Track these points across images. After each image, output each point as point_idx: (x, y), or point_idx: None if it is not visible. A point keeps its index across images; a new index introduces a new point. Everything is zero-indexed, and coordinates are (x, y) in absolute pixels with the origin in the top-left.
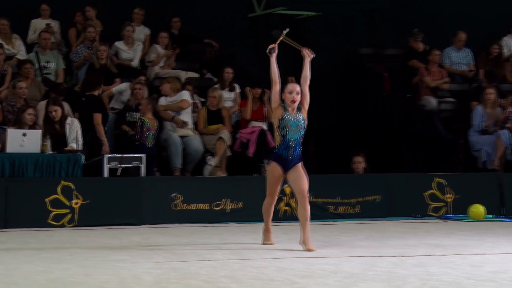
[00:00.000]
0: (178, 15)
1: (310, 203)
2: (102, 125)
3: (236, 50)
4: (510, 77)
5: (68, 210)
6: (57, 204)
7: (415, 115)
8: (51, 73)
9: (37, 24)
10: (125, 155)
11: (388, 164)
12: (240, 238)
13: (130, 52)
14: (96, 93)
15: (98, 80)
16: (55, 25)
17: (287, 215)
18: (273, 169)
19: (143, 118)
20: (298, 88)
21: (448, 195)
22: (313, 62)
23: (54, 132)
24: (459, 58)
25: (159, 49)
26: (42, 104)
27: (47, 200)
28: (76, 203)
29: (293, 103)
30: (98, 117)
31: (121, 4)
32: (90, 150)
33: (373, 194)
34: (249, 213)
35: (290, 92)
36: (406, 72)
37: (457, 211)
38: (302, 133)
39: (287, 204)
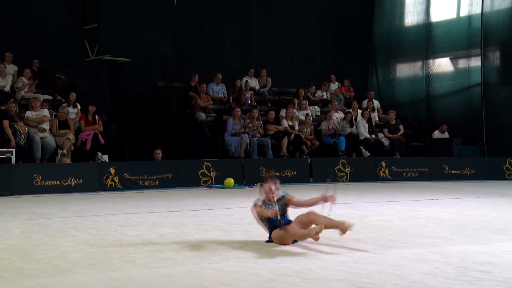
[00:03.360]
0: (37, 58)
1: (127, 179)
2: None
3: (77, 81)
4: (244, 101)
5: None
6: None
7: (192, 124)
8: None
9: None
10: (1, 149)
11: (176, 154)
12: (81, 203)
13: (3, 82)
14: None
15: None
16: None
17: None
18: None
19: (16, 126)
20: (273, 186)
21: (213, 172)
22: (128, 89)
23: None
24: (218, 89)
25: (24, 80)
26: None
27: None
28: None
29: (271, 200)
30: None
31: None
32: None
33: (167, 173)
34: (87, 187)
35: (267, 192)
36: (186, 97)
37: (218, 182)
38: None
39: None
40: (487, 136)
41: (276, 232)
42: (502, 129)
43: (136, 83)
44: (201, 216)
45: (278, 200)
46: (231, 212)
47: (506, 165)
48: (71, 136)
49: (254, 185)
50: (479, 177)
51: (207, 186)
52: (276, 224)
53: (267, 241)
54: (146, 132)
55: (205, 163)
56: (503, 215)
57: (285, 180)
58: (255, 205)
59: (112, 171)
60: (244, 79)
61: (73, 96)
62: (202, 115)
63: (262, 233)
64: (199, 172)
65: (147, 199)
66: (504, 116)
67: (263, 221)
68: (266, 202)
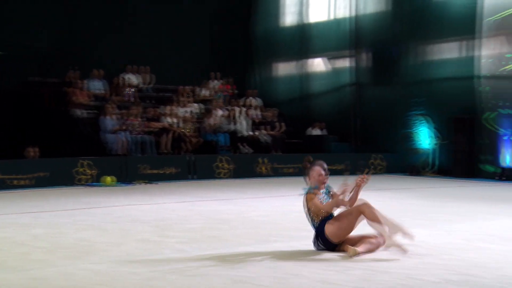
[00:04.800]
0: None
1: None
2: None
3: None
4: (124, 98)
5: None
6: None
7: (67, 121)
8: None
9: None
10: None
11: (52, 152)
12: None
13: None
14: None
15: None
16: None
17: None
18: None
19: None
20: (322, 170)
21: (91, 170)
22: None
23: None
24: (98, 86)
25: None
26: None
27: None
28: None
29: (324, 185)
30: None
31: None
32: None
33: (42, 171)
34: None
35: (320, 175)
36: (62, 93)
37: (97, 180)
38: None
39: None
40: (359, 133)
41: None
42: (372, 126)
43: (8, 77)
44: (76, 216)
45: (326, 189)
46: (109, 211)
47: (373, 160)
48: None
49: (134, 183)
50: (350, 171)
51: (85, 185)
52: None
53: (320, 245)
54: (18, 129)
55: (83, 161)
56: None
57: (166, 177)
58: (310, 197)
59: None
60: (125, 75)
61: None
62: (78, 112)
63: (140, 231)
64: (75, 170)
65: (19, 200)
66: (374, 114)
67: (321, 214)
68: (321, 189)
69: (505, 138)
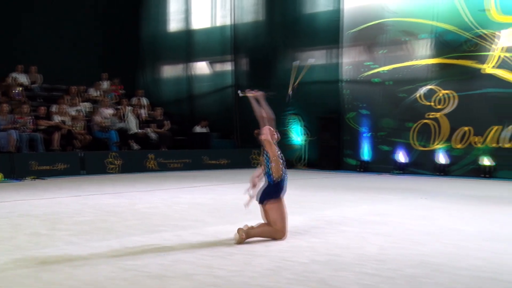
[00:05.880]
0: None
1: None
2: None
3: None
4: (13, 96)
5: None
6: None
7: None
8: None
9: None
10: None
11: None
12: None
13: None
14: None
15: None
16: None
17: None
18: (283, 204)
19: None
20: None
21: None
22: None
23: None
24: None
25: None
26: None
27: None
28: None
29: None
30: None
31: None
32: None
33: None
34: None
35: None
36: None
37: None
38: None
39: None
40: (239, 130)
41: (281, 202)
42: (251, 124)
43: None
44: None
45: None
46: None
47: (252, 155)
48: None
49: (24, 179)
50: (232, 166)
51: None
52: (283, 184)
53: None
54: None
55: None
56: None
57: (57, 173)
58: (270, 143)
59: None
60: (13, 75)
61: None
62: None
63: (31, 225)
64: None
65: None
66: (252, 113)
67: (280, 162)
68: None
69: (364, 135)
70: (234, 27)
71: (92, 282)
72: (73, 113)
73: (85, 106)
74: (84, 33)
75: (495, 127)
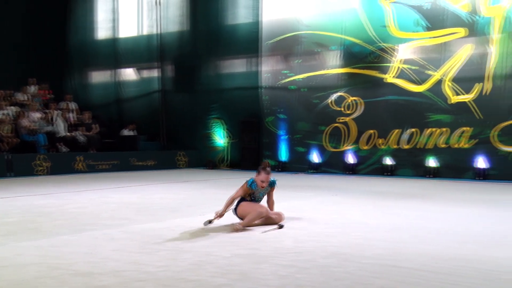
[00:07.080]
0: None
1: None
2: None
3: None
4: None
5: None
6: None
7: None
8: None
9: None
10: None
11: None
12: None
13: None
14: None
15: None
16: None
17: None
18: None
19: None
20: (269, 178)
21: None
22: None
23: None
24: None
25: None
26: None
27: None
28: None
29: (262, 188)
30: None
31: None
32: None
33: None
34: None
35: (262, 181)
36: None
37: None
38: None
39: None
40: (165, 133)
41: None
42: (176, 127)
43: None
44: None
45: (270, 184)
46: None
47: (178, 156)
48: None
49: None
50: (158, 167)
51: None
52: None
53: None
54: None
55: None
56: (176, 197)
57: None
58: (242, 186)
59: None
60: None
61: None
62: None
63: None
64: None
65: None
66: (178, 117)
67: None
68: (257, 189)
69: (281, 137)
70: (161, 36)
71: (20, 282)
72: (0, 116)
73: (12, 110)
74: (11, 38)
75: (396, 130)
